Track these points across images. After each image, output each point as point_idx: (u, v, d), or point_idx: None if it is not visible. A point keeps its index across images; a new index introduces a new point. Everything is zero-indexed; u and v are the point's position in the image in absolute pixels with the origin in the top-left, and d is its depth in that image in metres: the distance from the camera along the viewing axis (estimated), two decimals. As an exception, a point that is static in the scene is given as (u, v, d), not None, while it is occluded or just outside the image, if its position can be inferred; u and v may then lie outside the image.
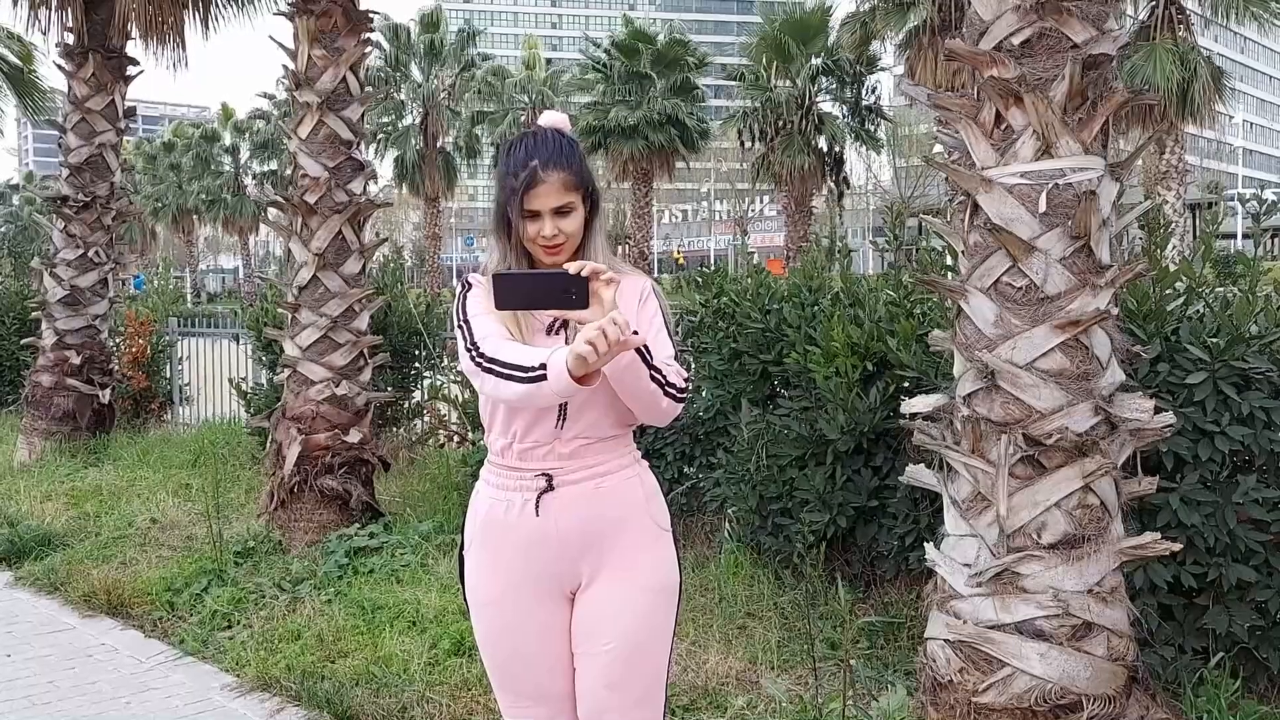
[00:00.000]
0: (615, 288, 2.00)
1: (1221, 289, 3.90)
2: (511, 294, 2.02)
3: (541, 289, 2.02)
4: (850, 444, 4.34)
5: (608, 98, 34.09)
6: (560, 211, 2.17)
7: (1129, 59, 19.38)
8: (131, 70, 9.39)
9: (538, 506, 2.20)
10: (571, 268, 1.99)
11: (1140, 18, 20.93)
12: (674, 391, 2.13)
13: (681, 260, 56.29)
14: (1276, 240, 52.92)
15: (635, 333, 2.03)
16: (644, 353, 2.07)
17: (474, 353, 2.11)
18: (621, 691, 2.22)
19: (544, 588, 2.25)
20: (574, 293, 1.99)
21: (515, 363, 2.03)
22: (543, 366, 1.97)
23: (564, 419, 2.18)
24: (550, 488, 2.20)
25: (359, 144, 6.29)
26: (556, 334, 2.19)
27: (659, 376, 2.10)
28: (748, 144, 30.62)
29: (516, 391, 2.02)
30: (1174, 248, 19.95)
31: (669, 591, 2.28)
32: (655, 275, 37.54)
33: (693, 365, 5.61)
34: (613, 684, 2.22)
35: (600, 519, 2.22)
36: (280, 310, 6.48)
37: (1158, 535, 2.92)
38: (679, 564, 2.32)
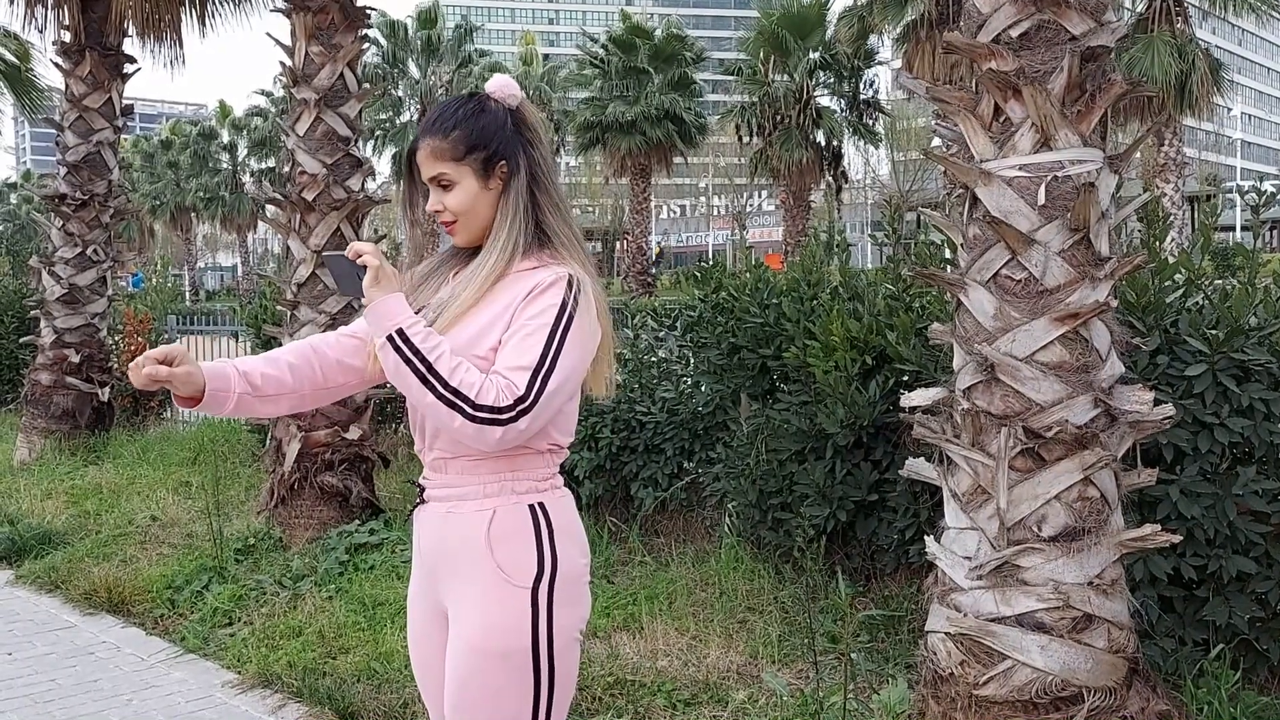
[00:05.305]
0: (372, 272, 1.82)
1: (1220, 281, 3.90)
2: (337, 278, 1.91)
3: (345, 273, 1.87)
4: (850, 438, 4.34)
5: (605, 93, 34.04)
6: (440, 183, 1.93)
7: (1127, 51, 19.40)
8: (129, 68, 9.38)
9: (410, 516, 2.10)
10: (349, 251, 1.86)
11: (1138, 10, 20.95)
12: (470, 410, 1.76)
13: (658, 251, 56.34)
14: (1275, 232, 52.93)
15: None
16: (413, 360, 1.78)
17: None
18: None
19: (426, 602, 2.05)
20: (363, 277, 1.86)
21: None
22: None
23: (416, 426, 2.01)
24: (423, 500, 2.03)
25: (356, 140, 6.29)
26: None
27: (441, 389, 1.76)
28: (745, 139, 30.60)
29: None
30: (1173, 240, 19.98)
31: (510, 657, 1.89)
32: (652, 272, 37.37)
33: (691, 361, 5.60)
34: None
35: (443, 548, 1.97)
36: (279, 307, 6.48)
37: (1158, 527, 2.92)
38: (541, 623, 1.90)
